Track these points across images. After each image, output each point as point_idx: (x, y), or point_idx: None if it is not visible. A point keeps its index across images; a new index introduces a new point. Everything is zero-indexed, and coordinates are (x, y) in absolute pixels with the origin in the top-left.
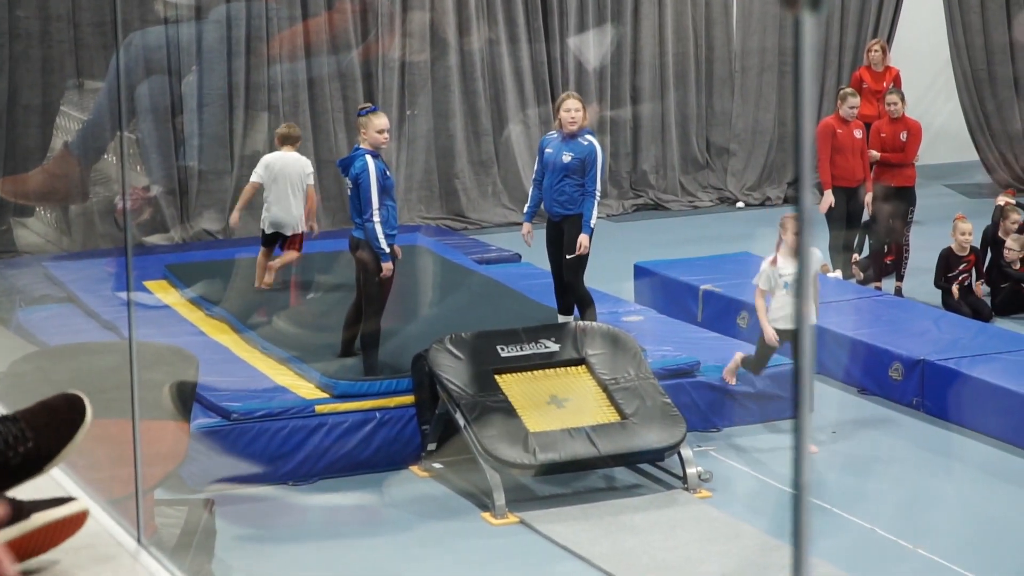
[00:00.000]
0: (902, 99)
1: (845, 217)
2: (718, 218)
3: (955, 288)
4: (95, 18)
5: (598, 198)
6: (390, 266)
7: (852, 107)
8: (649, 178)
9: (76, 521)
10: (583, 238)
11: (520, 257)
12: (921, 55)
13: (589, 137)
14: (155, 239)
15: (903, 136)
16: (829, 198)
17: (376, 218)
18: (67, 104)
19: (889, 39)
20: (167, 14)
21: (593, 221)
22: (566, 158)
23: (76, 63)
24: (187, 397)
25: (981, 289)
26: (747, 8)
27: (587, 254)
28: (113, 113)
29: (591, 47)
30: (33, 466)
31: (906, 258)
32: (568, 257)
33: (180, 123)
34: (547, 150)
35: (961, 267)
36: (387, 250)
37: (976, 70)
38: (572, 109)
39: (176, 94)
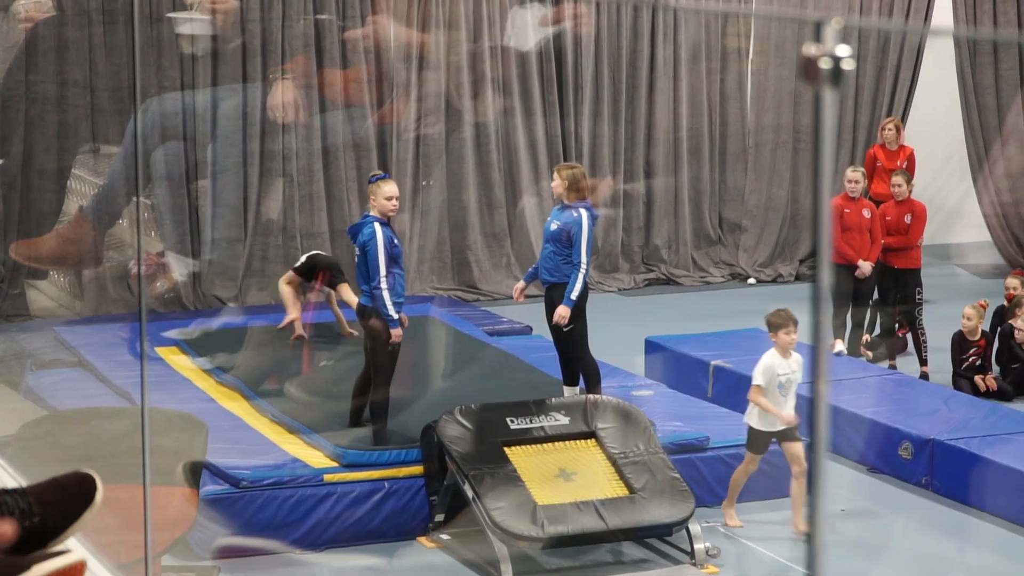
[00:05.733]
0: (907, 181)
1: (851, 294)
2: (729, 294)
3: (981, 380)
4: (111, 83)
5: (583, 270)
6: (399, 332)
7: (850, 181)
8: (661, 253)
9: (75, 572)
10: (562, 309)
11: (531, 329)
12: (935, 134)
13: (581, 209)
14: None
15: (907, 219)
16: (867, 267)
17: (383, 285)
18: (81, 168)
19: (904, 118)
20: (184, 79)
21: (575, 294)
22: (553, 226)
23: (91, 128)
24: (196, 464)
25: (992, 381)
26: (761, 84)
27: (584, 326)
28: (129, 178)
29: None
30: (36, 542)
31: (924, 341)
32: (563, 329)
33: (195, 189)
34: (547, 219)
35: (972, 351)
36: (395, 316)
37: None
38: (554, 178)
39: (191, 160)
